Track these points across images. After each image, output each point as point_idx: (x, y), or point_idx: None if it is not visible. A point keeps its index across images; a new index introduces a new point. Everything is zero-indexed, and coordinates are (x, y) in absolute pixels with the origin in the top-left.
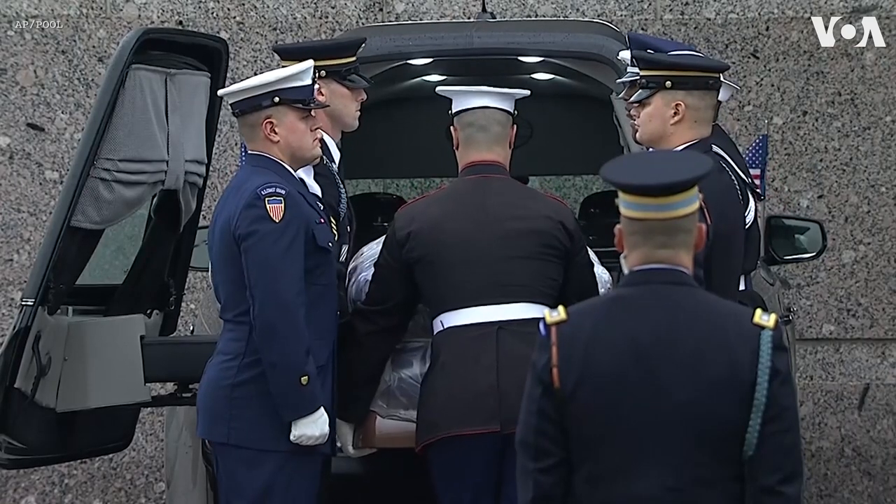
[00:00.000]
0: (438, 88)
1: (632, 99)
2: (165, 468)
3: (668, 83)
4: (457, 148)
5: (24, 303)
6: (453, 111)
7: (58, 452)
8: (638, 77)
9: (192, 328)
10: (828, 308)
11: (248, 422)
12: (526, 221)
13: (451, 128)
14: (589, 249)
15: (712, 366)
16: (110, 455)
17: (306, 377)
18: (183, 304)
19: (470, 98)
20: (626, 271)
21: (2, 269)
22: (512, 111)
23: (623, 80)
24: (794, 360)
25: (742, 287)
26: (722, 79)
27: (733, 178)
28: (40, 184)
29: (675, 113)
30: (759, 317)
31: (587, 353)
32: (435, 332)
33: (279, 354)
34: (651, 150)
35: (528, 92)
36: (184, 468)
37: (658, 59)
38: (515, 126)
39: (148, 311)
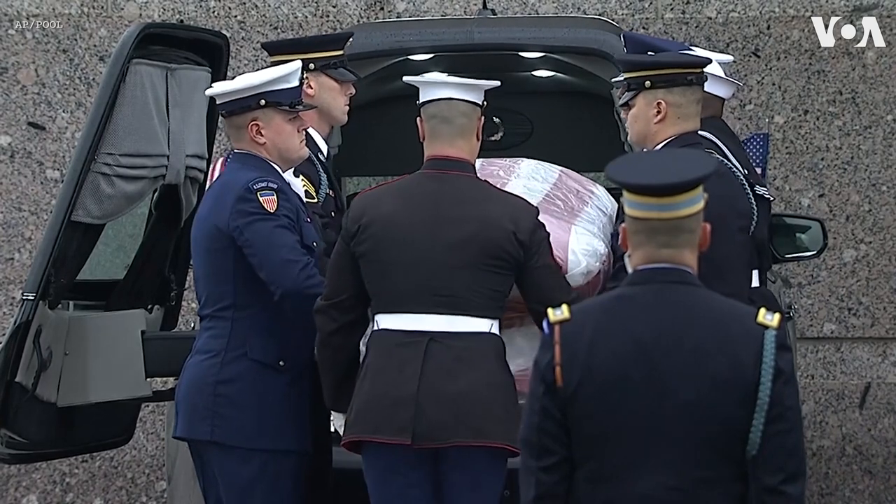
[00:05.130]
0: (405, 78)
1: (619, 103)
2: (166, 465)
3: (648, 83)
4: (423, 140)
5: (25, 297)
6: (419, 102)
7: (58, 447)
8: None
9: (192, 325)
10: (829, 307)
11: (231, 420)
12: (476, 228)
13: (418, 119)
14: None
15: (715, 365)
16: (111, 454)
17: None
18: (183, 303)
19: (434, 89)
20: (629, 270)
21: (3, 267)
22: (480, 102)
23: (616, 79)
24: (795, 359)
25: (755, 284)
26: (721, 73)
27: (733, 168)
28: (41, 183)
29: (658, 112)
30: (763, 316)
31: (590, 351)
32: (371, 331)
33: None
34: (655, 149)
35: (497, 83)
36: (185, 466)
37: (637, 61)
38: (483, 118)
39: (149, 306)
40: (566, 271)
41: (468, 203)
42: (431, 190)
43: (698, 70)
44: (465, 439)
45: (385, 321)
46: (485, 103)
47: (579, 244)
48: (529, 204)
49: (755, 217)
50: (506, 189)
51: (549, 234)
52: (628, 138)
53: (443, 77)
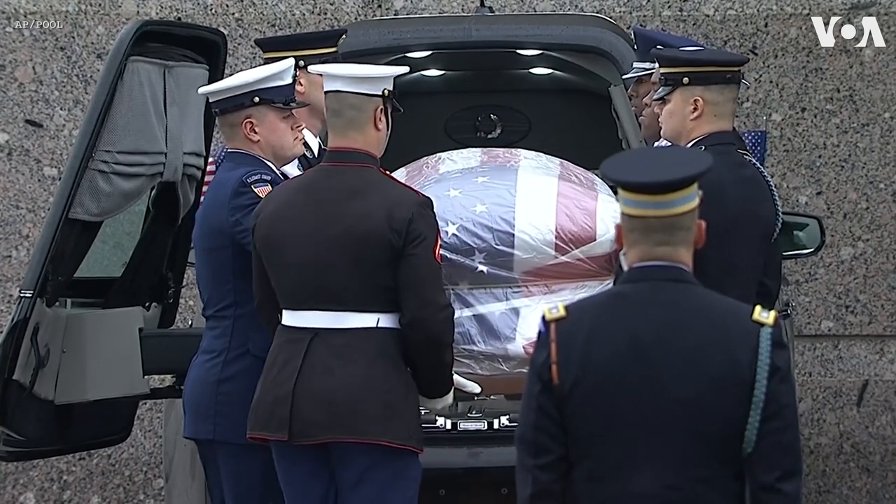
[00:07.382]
0: (311, 67)
1: (654, 97)
2: (164, 463)
3: (686, 79)
4: None
5: (22, 294)
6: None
7: (56, 445)
8: (644, 72)
9: (190, 323)
10: (826, 304)
11: (233, 418)
12: (353, 221)
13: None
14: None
15: (712, 363)
16: (109, 451)
17: None
18: (181, 301)
19: (328, 82)
20: (625, 268)
21: (0, 265)
22: (379, 92)
23: (630, 75)
24: (793, 357)
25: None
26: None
27: (763, 172)
28: (39, 180)
29: (694, 108)
30: (759, 314)
31: (586, 350)
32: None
33: None
34: (657, 145)
35: (397, 70)
36: (182, 463)
37: (676, 56)
38: (384, 106)
39: (146, 304)
40: (594, 238)
41: (351, 196)
42: (320, 184)
43: (736, 68)
44: (338, 436)
45: (285, 317)
46: (386, 91)
47: (606, 211)
48: (416, 194)
49: (779, 223)
50: (518, 167)
51: (437, 230)
52: (661, 133)
53: (335, 69)
